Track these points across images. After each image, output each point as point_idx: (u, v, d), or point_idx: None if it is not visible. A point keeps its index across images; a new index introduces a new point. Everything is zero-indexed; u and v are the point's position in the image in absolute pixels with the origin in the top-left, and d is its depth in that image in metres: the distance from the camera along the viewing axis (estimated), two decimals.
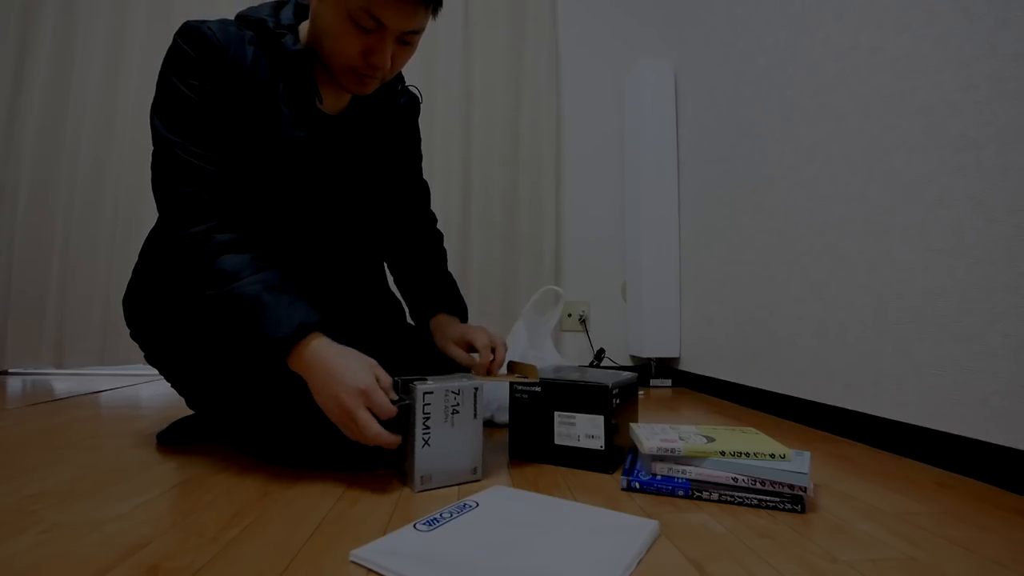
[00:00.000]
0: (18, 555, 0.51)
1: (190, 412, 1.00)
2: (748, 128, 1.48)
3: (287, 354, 0.70)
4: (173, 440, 0.95)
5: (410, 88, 0.99)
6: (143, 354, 0.90)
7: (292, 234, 0.85)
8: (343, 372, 0.68)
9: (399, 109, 0.97)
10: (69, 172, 1.85)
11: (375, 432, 0.66)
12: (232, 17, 0.82)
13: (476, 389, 0.74)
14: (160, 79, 0.77)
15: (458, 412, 0.72)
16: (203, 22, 0.77)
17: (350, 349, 0.72)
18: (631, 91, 1.97)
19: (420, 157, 1.07)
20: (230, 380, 0.83)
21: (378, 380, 0.69)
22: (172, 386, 0.91)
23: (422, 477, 0.70)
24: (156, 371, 0.91)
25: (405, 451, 0.73)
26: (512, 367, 0.90)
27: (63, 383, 1.70)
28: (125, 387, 1.65)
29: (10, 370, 1.87)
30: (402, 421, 0.71)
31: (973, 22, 0.85)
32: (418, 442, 0.69)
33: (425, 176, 1.10)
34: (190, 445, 0.93)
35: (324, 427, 0.75)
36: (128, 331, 0.90)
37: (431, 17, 0.78)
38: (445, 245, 1.11)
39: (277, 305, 0.71)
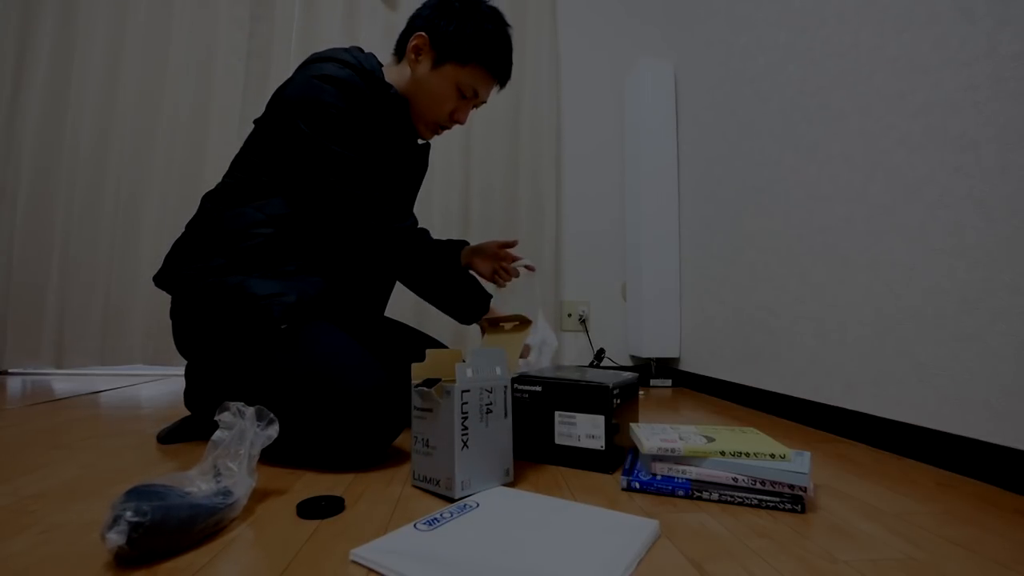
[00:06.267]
0: (18, 555, 0.51)
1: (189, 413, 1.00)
2: (748, 127, 1.48)
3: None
4: (173, 441, 0.95)
5: None
6: (172, 339, 0.96)
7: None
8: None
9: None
10: (69, 171, 1.85)
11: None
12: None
13: (506, 387, 0.74)
14: (322, 111, 0.85)
15: (491, 411, 0.71)
16: (342, 67, 0.87)
17: None
18: (631, 90, 1.97)
19: None
20: (242, 379, 0.84)
21: None
22: (185, 373, 1.00)
23: (463, 481, 0.67)
24: (160, 367, 0.92)
25: (434, 457, 0.71)
26: (507, 319, 1.03)
27: (63, 383, 1.70)
28: (125, 387, 1.65)
29: (10, 370, 1.86)
30: None
31: (973, 22, 0.85)
32: (457, 444, 0.67)
33: (426, 175, 1.23)
34: (190, 444, 0.93)
35: (324, 427, 0.76)
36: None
37: None
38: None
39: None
